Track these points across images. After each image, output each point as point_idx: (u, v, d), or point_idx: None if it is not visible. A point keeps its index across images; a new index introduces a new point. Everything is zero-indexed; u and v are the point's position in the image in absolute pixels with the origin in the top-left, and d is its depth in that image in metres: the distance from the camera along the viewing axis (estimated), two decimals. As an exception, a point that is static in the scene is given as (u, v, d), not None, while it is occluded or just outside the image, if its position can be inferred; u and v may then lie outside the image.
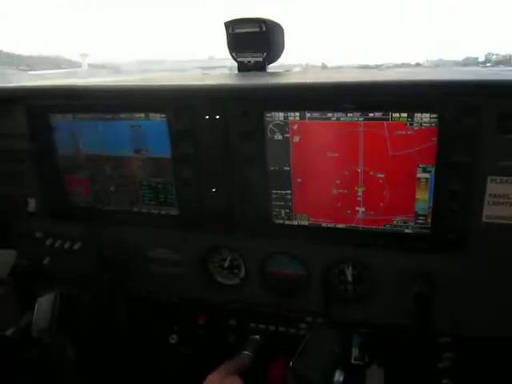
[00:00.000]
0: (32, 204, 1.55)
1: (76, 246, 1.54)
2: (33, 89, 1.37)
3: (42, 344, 1.15)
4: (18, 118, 1.44)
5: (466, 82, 1.01)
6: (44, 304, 1.14)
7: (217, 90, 1.19)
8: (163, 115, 1.25)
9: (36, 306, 1.14)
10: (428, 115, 1.05)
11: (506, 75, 1.17)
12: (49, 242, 1.57)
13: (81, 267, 1.46)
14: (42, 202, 1.53)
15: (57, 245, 1.56)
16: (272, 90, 1.14)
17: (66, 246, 1.54)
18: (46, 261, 1.60)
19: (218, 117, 1.18)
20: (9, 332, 1.14)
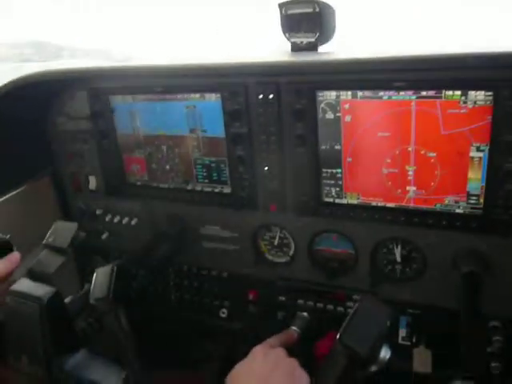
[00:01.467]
0: (93, 182, 1.65)
1: (133, 222, 1.62)
2: (94, 70, 1.44)
3: (98, 312, 1.22)
4: (80, 100, 1.53)
5: None
6: (102, 274, 1.21)
7: (269, 67, 1.22)
8: (218, 95, 1.30)
9: (94, 276, 1.22)
10: (483, 93, 1.04)
11: None
12: (108, 218, 1.66)
13: (137, 243, 1.53)
14: (102, 179, 1.62)
15: (115, 221, 1.64)
16: (324, 67, 1.16)
17: (124, 221, 1.63)
18: (105, 236, 1.69)
19: (271, 96, 1.22)
20: (67, 300, 1.21)
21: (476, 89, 1.04)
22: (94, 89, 1.48)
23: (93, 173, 1.64)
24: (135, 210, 1.61)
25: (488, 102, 1.04)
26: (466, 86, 1.05)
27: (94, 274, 1.24)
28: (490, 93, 1.03)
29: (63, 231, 1.31)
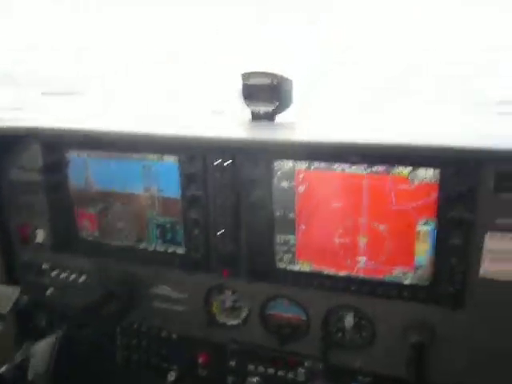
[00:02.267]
0: (40, 235, 1.59)
1: (81, 279, 1.56)
2: (48, 130, 1.42)
3: None
4: (33, 152, 1.49)
5: (465, 148, 1.06)
6: (42, 348, 1.15)
7: (228, 142, 1.25)
8: (176, 157, 1.31)
9: (34, 350, 1.15)
10: (430, 171, 1.10)
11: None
12: (54, 273, 1.59)
13: (84, 301, 1.48)
14: (51, 233, 1.56)
15: (62, 276, 1.58)
16: (280, 146, 1.20)
17: (72, 278, 1.57)
18: (50, 292, 1.62)
19: (227, 163, 1.24)
20: (3, 369, 1.14)
21: (423, 167, 1.10)
22: (48, 142, 1.46)
23: (41, 226, 1.58)
24: (84, 266, 1.56)
25: (434, 180, 1.10)
26: (413, 163, 1.11)
27: (34, 348, 1.17)
28: (436, 171, 1.09)
29: (3, 296, 1.24)
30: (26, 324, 1.67)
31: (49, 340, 1.15)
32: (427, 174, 1.10)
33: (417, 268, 1.18)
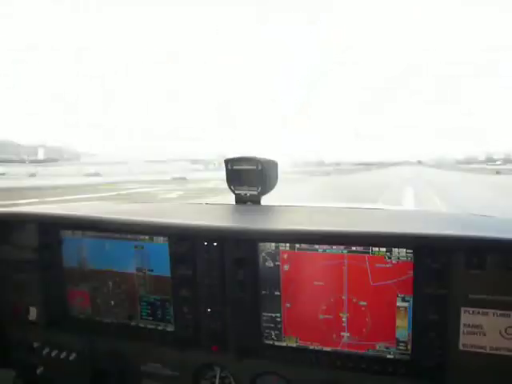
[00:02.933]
0: (33, 313, 1.62)
1: (71, 357, 1.57)
2: (44, 215, 1.49)
3: None
4: (28, 231, 1.55)
5: (436, 237, 1.15)
6: None
7: (214, 230, 1.32)
8: (166, 238, 1.37)
9: None
10: (404, 250, 1.18)
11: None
12: (45, 351, 1.60)
13: (74, 379, 1.49)
14: (43, 311, 1.59)
15: (53, 355, 1.59)
16: (264, 232, 1.28)
17: (62, 356, 1.58)
18: (39, 371, 1.62)
19: (215, 244, 1.31)
20: None
21: (398, 246, 1.18)
22: (44, 224, 1.52)
23: (34, 303, 1.61)
24: (75, 344, 1.57)
25: (409, 258, 1.18)
26: (389, 244, 1.19)
27: None
28: (410, 250, 1.17)
29: None
30: None
31: None
32: (401, 254, 1.18)
33: (398, 343, 1.23)
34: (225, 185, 1.49)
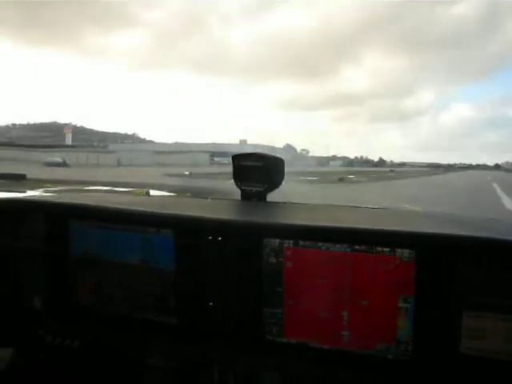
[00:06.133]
0: (38, 302, 1.64)
1: (74, 346, 1.59)
2: (52, 203, 1.51)
3: None
4: (36, 221, 1.57)
5: (441, 236, 1.16)
6: None
7: (220, 222, 1.34)
8: (171, 231, 1.39)
9: None
10: (407, 251, 1.18)
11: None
12: (49, 339, 1.63)
13: (76, 367, 1.50)
14: (48, 299, 1.61)
15: (56, 343, 1.61)
16: (268, 227, 1.28)
17: (65, 344, 1.60)
18: (42, 358, 1.64)
19: (219, 238, 1.32)
20: None
21: (401, 246, 1.19)
22: (52, 213, 1.54)
23: (39, 292, 1.63)
24: (78, 333, 1.59)
25: (412, 259, 1.18)
26: (392, 244, 1.19)
27: None
28: (413, 251, 1.18)
29: None
30: None
31: None
32: (404, 254, 1.18)
33: (399, 344, 1.23)
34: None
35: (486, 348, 1.16)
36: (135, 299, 1.51)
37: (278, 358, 1.35)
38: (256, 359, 1.38)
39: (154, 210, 1.40)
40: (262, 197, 1.50)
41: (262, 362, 1.38)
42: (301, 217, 1.35)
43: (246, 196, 1.52)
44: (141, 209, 1.42)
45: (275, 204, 1.50)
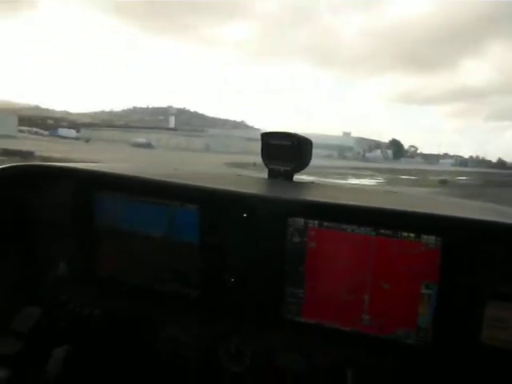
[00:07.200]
0: (63, 269, 1.67)
1: (94, 314, 1.63)
2: (80, 170, 1.53)
3: None
4: (63, 190, 1.60)
5: (470, 220, 1.14)
6: (56, 357, 1.24)
7: (246, 197, 1.34)
8: (197, 206, 1.40)
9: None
10: (434, 237, 1.17)
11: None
12: (71, 306, 1.66)
13: (94, 335, 1.54)
14: (72, 267, 1.64)
15: (77, 310, 1.65)
16: (294, 204, 1.28)
17: (85, 312, 1.63)
18: (63, 324, 1.68)
19: (245, 215, 1.32)
20: None
21: (427, 233, 1.17)
22: (79, 182, 1.56)
23: (64, 260, 1.66)
24: (99, 301, 1.62)
25: (438, 246, 1.17)
26: (418, 230, 1.18)
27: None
28: (440, 238, 1.16)
29: (24, 316, 1.32)
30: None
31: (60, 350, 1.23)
32: (431, 240, 1.17)
33: (419, 330, 1.22)
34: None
35: (507, 339, 1.15)
36: (157, 272, 1.52)
37: (296, 338, 1.36)
38: (273, 337, 1.39)
39: (180, 181, 1.41)
40: (289, 176, 1.51)
41: (280, 340, 1.39)
42: (326, 196, 1.34)
43: (273, 175, 1.52)
44: (166, 179, 1.43)
45: (302, 184, 1.50)
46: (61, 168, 1.55)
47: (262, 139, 1.50)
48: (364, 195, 1.45)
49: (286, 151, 1.45)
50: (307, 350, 1.36)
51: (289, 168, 1.47)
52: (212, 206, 1.37)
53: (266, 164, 1.52)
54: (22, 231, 1.71)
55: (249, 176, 1.69)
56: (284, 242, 1.31)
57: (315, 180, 1.76)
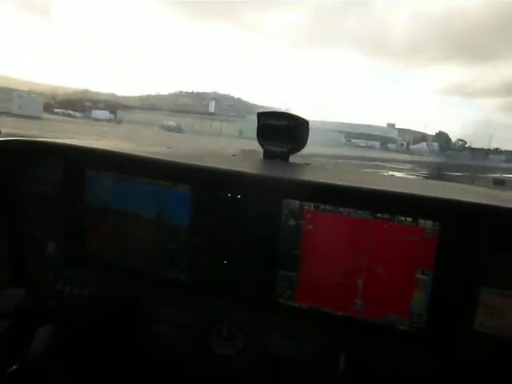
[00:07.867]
0: (51, 247, 1.64)
1: (84, 295, 1.60)
2: (70, 147, 1.49)
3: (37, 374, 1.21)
4: (53, 166, 1.55)
5: (468, 203, 1.12)
6: (42, 335, 1.22)
7: (240, 176, 1.31)
8: (189, 187, 1.37)
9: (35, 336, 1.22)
10: (431, 222, 1.15)
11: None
12: (59, 285, 1.63)
13: (84, 316, 1.51)
14: (61, 246, 1.61)
15: (66, 290, 1.62)
16: (289, 185, 1.25)
17: (75, 292, 1.61)
18: (52, 303, 1.65)
19: (239, 196, 1.29)
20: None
21: (424, 218, 1.15)
22: (70, 159, 1.52)
23: (53, 238, 1.63)
24: (89, 281, 1.59)
25: (436, 231, 1.15)
26: (415, 212, 1.16)
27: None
28: (437, 223, 1.14)
29: (10, 297, 1.29)
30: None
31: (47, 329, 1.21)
32: (428, 225, 1.15)
33: (412, 315, 1.21)
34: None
35: (501, 327, 1.14)
36: (147, 252, 1.49)
37: (288, 321, 1.35)
38: (266, 320, 1.38)
39: (172, 160, 1.37)
40: (284, 157, 1.47)
41: (272, 323, 1.38)
42: (322, 177, 1.31)
43: (268, 156, 1.48)
44: (157, 157, 1.39)
45: (298, 165, 1.47)
46: (48, 144, 1.50)
47: (258, 119, 1.46)
48: (362, 176, 1.42)
49: (282, 132, 1.42)
50: (299, 333, 1.35)
51: (285, 149, 1.44)
52: (204, 184, 1.33)
53: (261, 145, 1.48)
54: (9, 208, 1.67)
55: (244, 155, 1.65)
56: (279, 225, 1.29)
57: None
